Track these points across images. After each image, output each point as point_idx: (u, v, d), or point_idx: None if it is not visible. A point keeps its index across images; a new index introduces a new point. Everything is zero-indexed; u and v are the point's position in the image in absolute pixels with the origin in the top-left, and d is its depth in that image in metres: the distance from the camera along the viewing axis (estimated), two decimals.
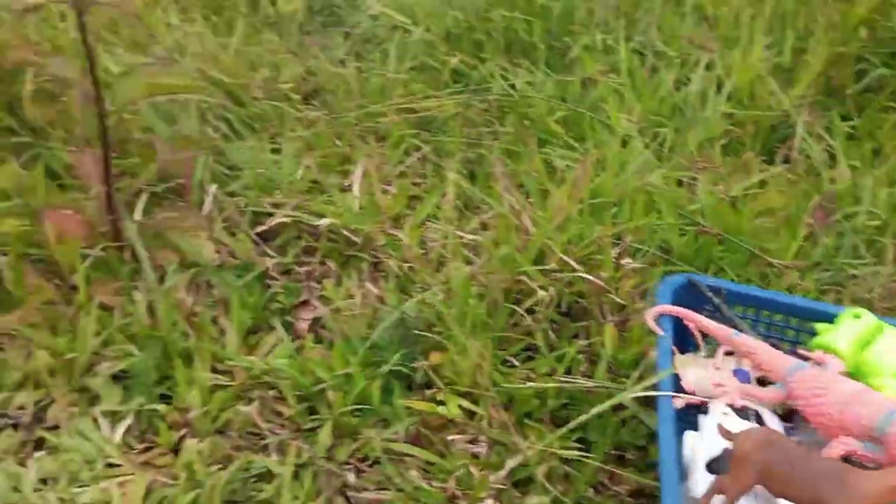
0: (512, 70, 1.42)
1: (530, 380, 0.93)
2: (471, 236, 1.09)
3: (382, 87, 1.42)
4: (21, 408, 0.97)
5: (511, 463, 0.80)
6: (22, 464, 0.91)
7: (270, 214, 1.20)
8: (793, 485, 0.60)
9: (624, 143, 1.18)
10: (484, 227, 1.11)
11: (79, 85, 0.89)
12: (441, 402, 0.91)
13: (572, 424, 0.79)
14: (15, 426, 0.96)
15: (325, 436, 0.90)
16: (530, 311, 0.98)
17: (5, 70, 1.28)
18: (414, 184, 1.27)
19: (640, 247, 0.98)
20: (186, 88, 1.05)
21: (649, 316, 0.82)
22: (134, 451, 0.92)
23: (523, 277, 0.99)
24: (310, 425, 0.93)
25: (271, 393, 0.97)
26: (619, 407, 0.85)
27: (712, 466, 0.70)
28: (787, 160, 1.28)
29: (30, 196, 1.10)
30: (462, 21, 1.54)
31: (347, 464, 0.89)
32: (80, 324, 1.00)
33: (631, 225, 0.99)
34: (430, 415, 0.91)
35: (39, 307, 1.02)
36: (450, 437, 0.89)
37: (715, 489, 0.66)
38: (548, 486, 0.81)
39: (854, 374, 0.79)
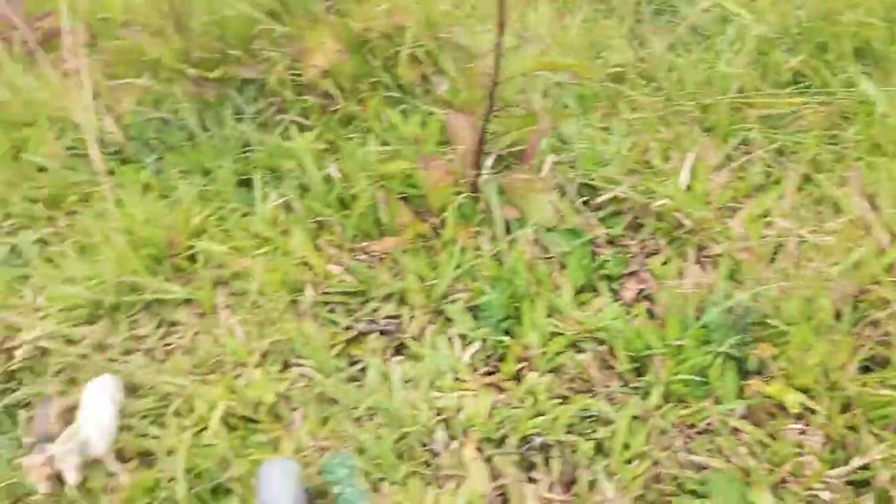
0: (860, 77, 1.36)
1: (866, 386, 0.92)
2: (811, 236, 1.09)
3: (714, 78, 1.44)
4: (389, 317, 1.16)
5: (857, 461, 0.82)
6: (385, 364, 1.10)
7: (595, 188, 1.29)
8: None
9: None
10: (828, 230, 1.10)
11: (484, 55, 1.02)
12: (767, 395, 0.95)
13: None
14: (381, 332, 1.15)
15: (655, 397, 0.98)
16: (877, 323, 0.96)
17: (387, 32, 1.49)
18: (740, 177, 1.28)
19: None
20: (563, 67, 1.15)
21: None
22: (479, 373, 1.07)
23: (873, 287, 0.98)
24: (636, 384, 1.01)
25: (601, 348, 1.06)
26: None
27: None
28: None
29: (411, 144, 1.29)
30: (805, 20, 1.50)
31: (675, 426, 0.96)
32: (442, 258, 1.17)
33: None
34: (763, 399, 0.94)
35: (411, 238, 1.20)
36: (781, 427, 0.93)
37: None
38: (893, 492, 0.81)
39: None
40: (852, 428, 0.89)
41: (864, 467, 0.85)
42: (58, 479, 1.00)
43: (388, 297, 1.18)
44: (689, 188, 1.24)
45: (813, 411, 0.92)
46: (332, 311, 1.17)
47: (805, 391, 0.93)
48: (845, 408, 0.91)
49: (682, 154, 1.30)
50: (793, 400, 0.92)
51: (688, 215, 1.19)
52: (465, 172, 1.23)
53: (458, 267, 1.15)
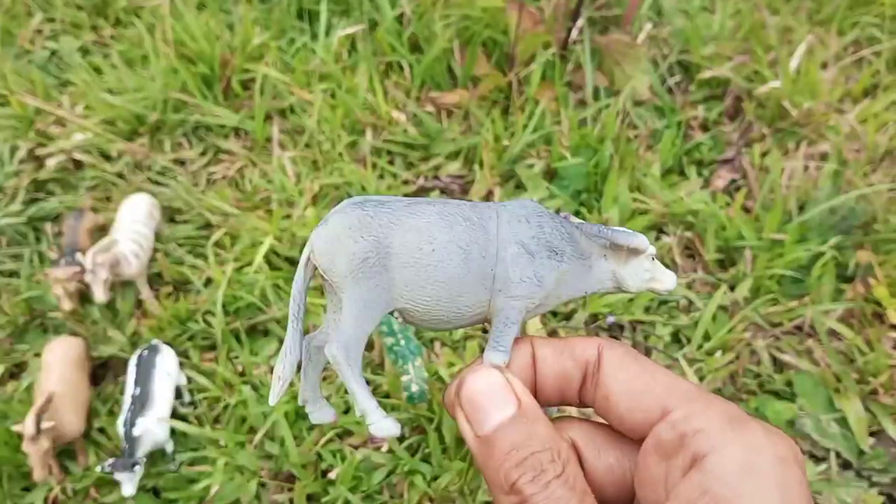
0: None
1: None
2: None
3: None
4: (453, 176, 1.07)
5: None
6: None
7: (693, 67, 1.16)
8: None
9: None
10: None
11: None
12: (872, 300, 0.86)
13: None
14: (443, 190, 1.06)
15: (744, 289, 0.89)
16: None
17: None
18: (852, 75, 1.15)
19: None
20: None
21: None
22: None
23: None
24: (722, 276, 0.93)
25: (688, 234, 0.97)
26: None
27: None
28: None
29: None
30: None
31: (761, 323, 0.88)
32: (520, 118, 1.06)
33: None
34: (863, 303, 0.86)
35: (488, 91, 1.09)
36: (879, 336, 0.85)
37: None
38: None
39: None
40: None
41: None
42: (81, 297, 0.93)
43: (454, 155, 1.08)
44: (797, 77, 1.11)
45: None
46: (391, 161, 1.08)
47: None
48: None
49: (792, 44, 1.16)
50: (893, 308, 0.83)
51: (795, 105, 1.07)
52: (556, 27, 1.11)
53: (536, 130, 1.05)
